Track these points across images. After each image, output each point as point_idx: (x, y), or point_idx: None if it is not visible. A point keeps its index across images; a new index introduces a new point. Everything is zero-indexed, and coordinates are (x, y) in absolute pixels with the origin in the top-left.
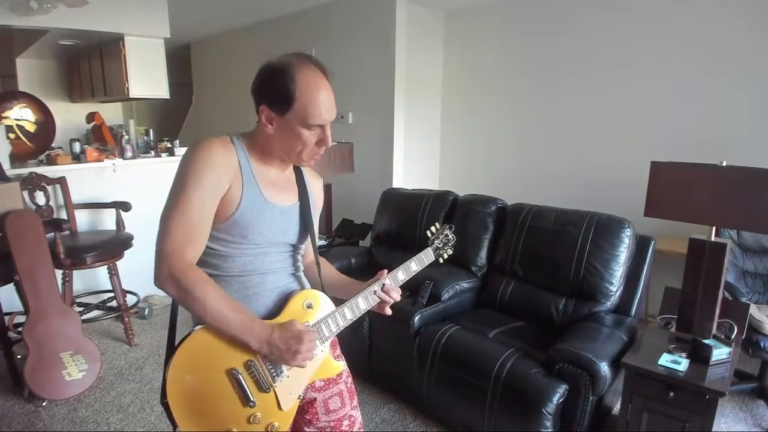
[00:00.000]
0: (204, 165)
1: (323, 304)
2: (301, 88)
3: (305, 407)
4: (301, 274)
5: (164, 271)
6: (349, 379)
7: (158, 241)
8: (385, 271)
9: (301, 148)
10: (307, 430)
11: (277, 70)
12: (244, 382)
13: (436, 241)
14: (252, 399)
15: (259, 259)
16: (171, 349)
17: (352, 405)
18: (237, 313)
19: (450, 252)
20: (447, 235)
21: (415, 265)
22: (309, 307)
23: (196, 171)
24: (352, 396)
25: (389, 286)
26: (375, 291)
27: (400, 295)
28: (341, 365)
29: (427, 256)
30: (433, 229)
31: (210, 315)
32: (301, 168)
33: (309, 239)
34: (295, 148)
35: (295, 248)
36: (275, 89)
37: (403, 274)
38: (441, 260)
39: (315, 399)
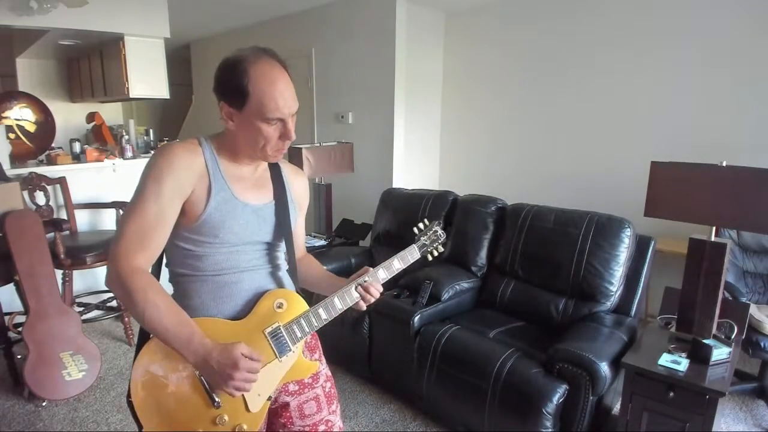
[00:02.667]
0: (163, 171)
1: (296, 303)
2: (255, 82)
3: (279, 411)
4: (282, 273)
5: (111, 273)
6: (328, 384)
7: (112, 243)
8: (370, 268)
9: (264, 143)
10: None
11: (230, 65)
12: (207, 383)
13: (423, 238)
14: (216, 400)
15: (234, 258)
16: (140, 348)
17: (330, 410)
18: (177, 325)
19: (440, 249)
20: (436, 232)
21: (398, 263)
22: (279, 307)
23: (155, 177)
24: (331, 401)
25: (369, 282)
26: (356, 287)
27: (382, 293)
28: (317, 363)
29: (411, 254)
30: (421, 225)
31: (147, 323)
32: (280, 165)
33: (297, 234)
34: (258, 143)
35: (270, 246)
36: (230, 85)
37: (384, 272)
38: (429, 257)
39: (288, 403)
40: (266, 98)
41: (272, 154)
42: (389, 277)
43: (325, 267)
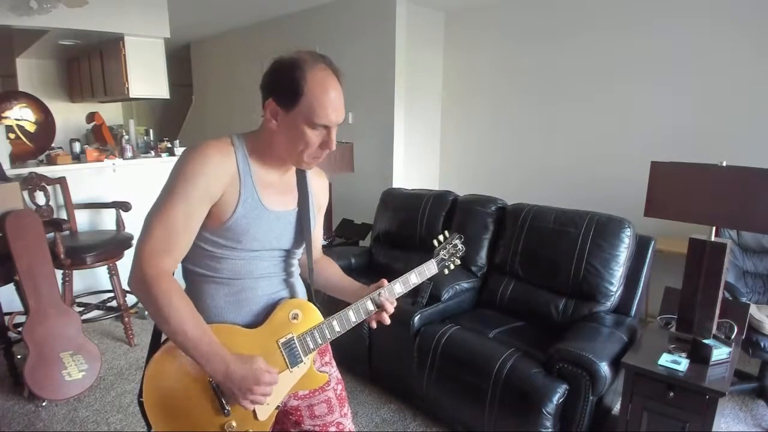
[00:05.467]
0: (196, 172)
1: (311, 314)
2: (311, 86)
3: (290, 410)
4: (295, 280)
5: (137, 274)
6: (339, 387)
7: (137, 243)
8: (385, 281)
9: (303, 148)
10: (293, 430)
11: (288, 64)
12: (217, 391)
13: (442, 252)
14: (227, 408)
15: (252, 264)
16: (153, 349)
17: (342, 413)
18: (198, 334)
19: (457, 263)
20: (456, 245)
21: (415, 278)
22: (295, 318)
23: (187, 178)
24: (342, 404)
25: (384, 297)
26: (366, 305)
27: (396, 308)
28: (326, 375)
29: (429, 269)
30: (441, 237)
31: (171, 328)
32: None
33: (315, 234)
34: (297, 147)
35: (288, 253)
36: (284, 84)
37: (401, 286)
38: (446, 272)
39: (298, 406)
40: (318, 103)
41: (308, 161)
42: (405, 291)
43: None
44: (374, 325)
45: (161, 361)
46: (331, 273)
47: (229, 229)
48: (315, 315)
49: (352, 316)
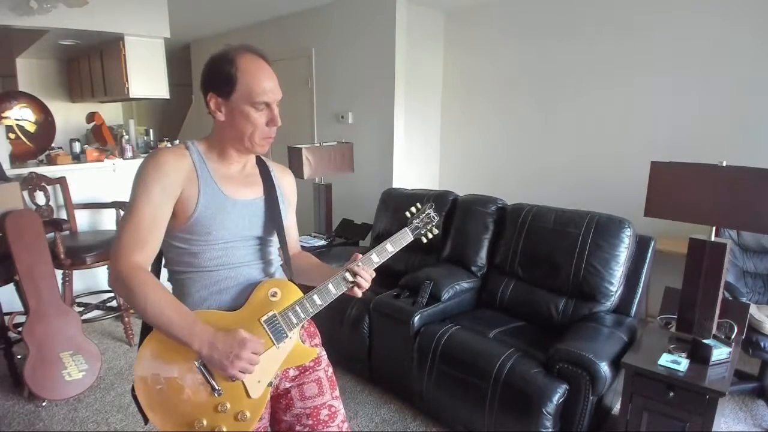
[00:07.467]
0: (152, 175)
1: (290, 291)
2: (242, 69)
3: (281, 394)
4: (275, 268)
5: (112, 272)
6: (330, 369)
7: (112, 247)
8: (359, 254)
9: (252, 130)
10: (284, 418)
11: (218, 57)
12: (206, 372)
13: (415, 221)
14: (218, 387)
15: (229, 254)
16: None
17: (333, 395)
18: (179, 315)
19: (435, 231)
20: (429, 214)
21: (390, 247)
22: (274, 295)
23: (145, 181)
24: (333, 387)
25: (359, 269)
26: (345, 276)
27: (374, 279)
28: (316, 350)
29: (404, 237)
30: (413, 209)
31: (151, 315)
32: (268, 165)
33: (289, 229)
34: (246, 131)
35: (263, 241)
36: (218, 75)
37: (377, 256)
38: (424, 240)
39: (289, 389)
40: (253, 82)
41: (260, 142)
42: (382, 261)
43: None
44: (359, 294)
45: (147, 352)
46: (310, 261)
47: (196, 222)
48: (294, 291)
49: (332, 288)
